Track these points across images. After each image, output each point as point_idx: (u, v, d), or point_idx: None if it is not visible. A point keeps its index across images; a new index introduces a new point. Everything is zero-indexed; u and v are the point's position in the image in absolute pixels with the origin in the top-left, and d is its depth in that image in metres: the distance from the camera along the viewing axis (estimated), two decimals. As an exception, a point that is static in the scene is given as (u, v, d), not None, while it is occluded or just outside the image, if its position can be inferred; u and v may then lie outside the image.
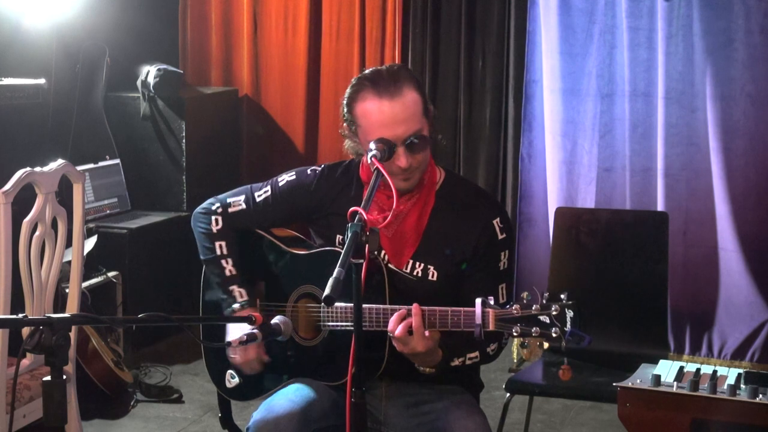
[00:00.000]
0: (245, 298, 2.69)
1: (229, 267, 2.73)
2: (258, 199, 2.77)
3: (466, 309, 2.41)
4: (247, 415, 2.92)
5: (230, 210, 2.78)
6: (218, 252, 2.74)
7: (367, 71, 2.63)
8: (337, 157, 2.85)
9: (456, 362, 2.56)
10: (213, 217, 2.77)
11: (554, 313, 2.33)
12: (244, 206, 2.77)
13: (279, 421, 2.54)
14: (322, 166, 2.77)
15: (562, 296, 2.35)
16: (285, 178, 2.77)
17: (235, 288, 2.70)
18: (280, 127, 5.81)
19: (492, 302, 2.38)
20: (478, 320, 2.36)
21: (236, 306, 2.68)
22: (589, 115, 5.01)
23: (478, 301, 2.38)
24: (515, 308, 2.36)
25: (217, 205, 2.80)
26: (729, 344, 4.85)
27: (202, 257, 2.78)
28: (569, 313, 2.33)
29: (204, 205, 2.82)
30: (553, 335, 2.33)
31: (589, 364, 3.40)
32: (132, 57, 5.36)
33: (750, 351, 4.81)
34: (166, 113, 5.33)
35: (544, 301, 2.35)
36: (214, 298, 2.77)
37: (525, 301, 2.37)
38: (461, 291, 2.62)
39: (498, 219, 2.65)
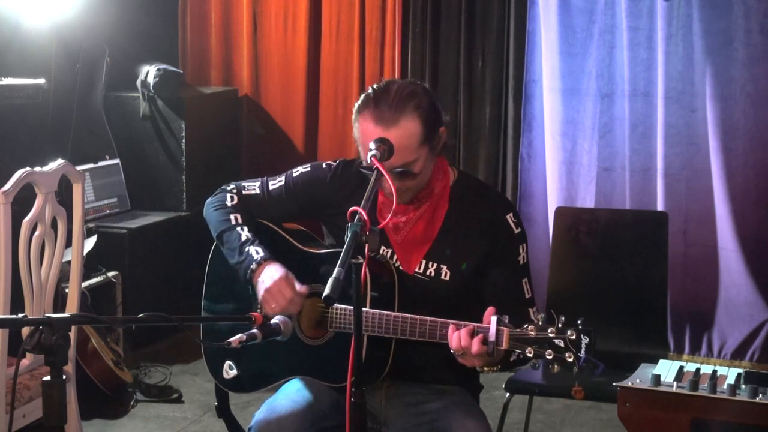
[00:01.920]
0: (262, 254, 2.61)
1: (245, 233, 2.68)
2: (272, 188, 2.77)
3: (479, 325, 2.40)
4: (246, 414, 2.92)
5: (244, 192, 2.79)
6: (233, 222, 2.71)
7: (379, 85, 2.58)
8: (336, 158, 2.84)
9: (513, 357, 2.52)
10: (228, 194, 2.78)
11: (571, 337, 2.31)
12: (258, 191, 2.78)
13: (281, 421, 2.54)
14: (338, 161, 2.77)
15: (579, 321, 2.33)
16: (300, 169, 2.78)
17: (251, 248, 2.63)
18: (280, 127, 5.81)
19: (507, 320, 2.36)
20: (492, 337, 2.35)
21: (254, 266, 2.60)
22: (589, 114, 5.01)
23: (494, 318, 2.36)
24: (530, 329, 2.34)
25: (232, 186, 2.81)
26: (729, 344, 4.86)
27: (215, 233, 2.73)
28: (585, 339, 2.31)
29: (217, 191, 2.83)
30: (567, 360, 2.31)
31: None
32: (132, 57, 5.36)
33: (750, 351, 4.81)
34: (166, 113, 5.33)
35: (560, 325, 2.33)
36: (227, 271, 2.70)
37: (540, 323, 2.34)
38: (484, 290, 2.61)
39: (511, 214, 2.65)
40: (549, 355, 2.31)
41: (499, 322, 2.35)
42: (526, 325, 2.35)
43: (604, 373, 2.33)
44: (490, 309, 2.40)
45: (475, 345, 2.36)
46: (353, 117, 2.60)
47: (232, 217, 2.72)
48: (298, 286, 2.56)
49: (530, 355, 2.33)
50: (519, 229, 2.65)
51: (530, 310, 2.60)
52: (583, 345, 2.31)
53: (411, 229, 2.64)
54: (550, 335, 2.32)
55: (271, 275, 2.56)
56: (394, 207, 2.46)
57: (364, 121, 2.53)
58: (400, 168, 2.51)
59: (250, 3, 5.74)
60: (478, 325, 2.40)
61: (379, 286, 2.54)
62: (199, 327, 2.88)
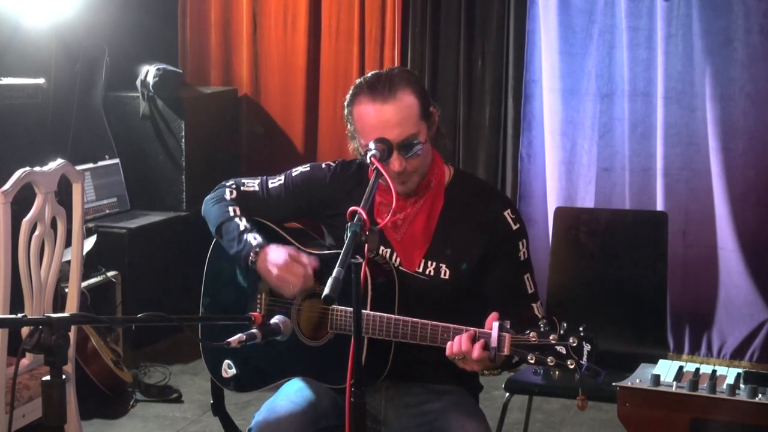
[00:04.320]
0: (259, 239, 2.63)
1: (243, 223, 2.69)
2: (271, 187, 2.77)
3: (480, 330, 2.39)
4: (245, 414, 2.92)
5: (243, 189, 2.79)
6: (231, 213, 2.72)
7: (368, 75, 2.62)
8: (336, 157, 2.84)
9: (515, 359, 2.51)
10: (227, 189, 2.79)
11: (572, 344, 2.31)
12: (257, 188, 2.78)
13: (281, 422, 2.54)
14: (337, 162, 2.77)
15: (581, 329, 2.32)
16: (299, 170, 2.78)
17: (249, 235, 2.65)
18: (280, 126, 5.81)
19: (509, 326, 2.36)
20: (494, 343, 2.34)
21: (252, 256, 2.60)
22: (589, 114, 5.01)
23: (495, 324, 2.35)
24: (532, 335, 2.33)
25: (231, 182, 2.82)
26: (728, 344, 4.86)
27: (214, 226, 2.74)
28: (586, 347, 2.31)
29: (216, 187, 2.83)
30: (569, 366, 2.31)
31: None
32: (131, 57, 5.36)
33: (749, 351, 4.81)
34: (166, 113, 5.33)
35: (562, 332, 2.32)
36: (226, 268, 2.72)
37: (542, 330, 2.34)
38: (486, 288, 2.60)
39: (508, 210, 2.64)
40: (551, 362, 2.31)
41: (501, 328, 2.35)
42: (527, 332, 2.34)
43: (604, 379, 2.33)
44: (493, 314, 2.39)
45: (476, 350, 2.35)
46: (346, 111, 2.60)
47: (230, 209, 2.74)
48: (305, 258, 2.57)
49: (532, 362, 2.33)
50: (518, 225, 2.64)
51: (534, 306, 2.60)
52: (585, 352, 2.30)
53: (410, 226, 2.63)
54: (552, 342, 2.32)
55: (274, 261, 2.57)
56: (394, 206, 2.46)
57: (361, 104, 2.54)
58: (406, 140, 2.51)
59: (250, 3, 5.74)
60: (480, 330, 2.39)
61: (379, 286, 2.54)
62: (199, 327, 2.88)
